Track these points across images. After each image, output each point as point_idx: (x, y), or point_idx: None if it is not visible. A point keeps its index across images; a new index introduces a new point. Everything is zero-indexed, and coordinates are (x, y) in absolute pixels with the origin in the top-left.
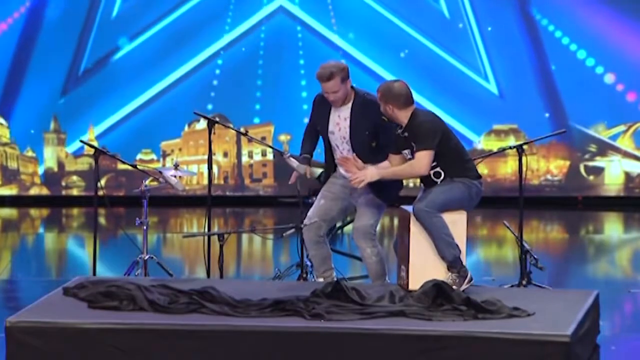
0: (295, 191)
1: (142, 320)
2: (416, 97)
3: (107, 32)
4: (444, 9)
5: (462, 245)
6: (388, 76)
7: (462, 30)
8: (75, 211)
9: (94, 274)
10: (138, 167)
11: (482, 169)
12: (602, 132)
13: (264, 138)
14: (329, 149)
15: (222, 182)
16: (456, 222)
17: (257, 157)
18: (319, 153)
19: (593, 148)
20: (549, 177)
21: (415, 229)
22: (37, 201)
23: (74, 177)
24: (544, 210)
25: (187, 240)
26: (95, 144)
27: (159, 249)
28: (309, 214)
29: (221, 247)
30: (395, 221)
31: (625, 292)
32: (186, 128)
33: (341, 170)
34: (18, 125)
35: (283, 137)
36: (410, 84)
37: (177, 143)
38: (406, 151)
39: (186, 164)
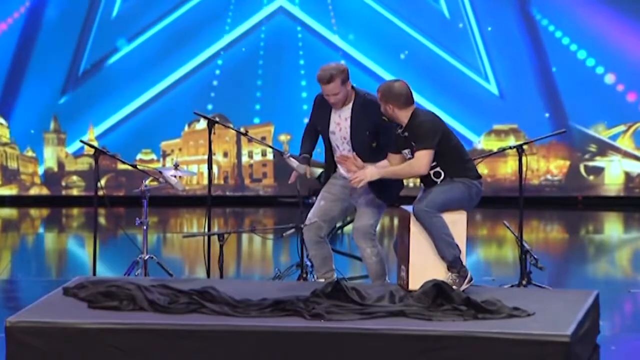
0: (295, 191)
1: (142, 320)
2: (416, 97)
3: (107, 32)
4: (444, 9)
5: (462, 245)
6: (388, 76)
7: (463, 31)
8: (75, 211)
9: (94, 274)
10: (138, 167)
11: (482, 169)
12: (602, 132)
13: (264, 138)
14: (329, 149)
15: (222, 182)
16: (456, 222)
17: (257, 157)
18: (318, 153)
19: (593, 148)
20: (549, 177)
21: (415, 229)
22: (37, 201)
23: (74, 177)
24: (544, 210)
25: (187, 240)
26: (95, 144)
27: (159, 249)
28: (309, 214)
29: (221, 247)
30: (395, 221)
31: (625, 292)
32: (186, 128)
33: (341, 170)
34: (18, 125)
35: (283, 137)
36: (411, 84)
37: (177, 143)
38: (406, 151)
39: (186, 164)
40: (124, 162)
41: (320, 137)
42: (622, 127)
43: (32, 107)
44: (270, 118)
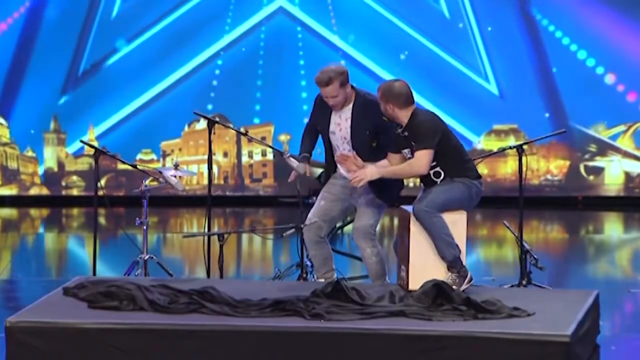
0: (295, 191)
1: (142, 320)
2: (416, 97)
3: (106, 32)
4: (444, 9)
5: (462, 245)
6: (388, 77)
7: (463, 31)
8: (75, 211)
9: (94, 274)
10: (138, 167)
11: (482, 169)
12: (602, 132)
13: (264, 138)
14: (329, 149)
15: (222, 182)
16: (456, 222)
17: (257, 157)
18: (318, 153)
19: (593, 148)
20: (549, 177)
21: (415, 229)
22: (37, 201)
23: (74, 177)
24: (544, 210)
25: (187, 240)
26: (95, 144)
27: (159, 249)
28: (309, 214)
29: (221, 247)
30: (395, 221)
31: (625, 292)
32: (186, 128)
33: (341, 169)
34: (18, 125)
35: (283, 137)
36: (411, 85)
37: (177, 143)
38: (406, 150)
39: (186, 164)
40: (124, 162)
41: (320, 137)
42: (622, 127)
43: (32, 107)
44: (270, 118)
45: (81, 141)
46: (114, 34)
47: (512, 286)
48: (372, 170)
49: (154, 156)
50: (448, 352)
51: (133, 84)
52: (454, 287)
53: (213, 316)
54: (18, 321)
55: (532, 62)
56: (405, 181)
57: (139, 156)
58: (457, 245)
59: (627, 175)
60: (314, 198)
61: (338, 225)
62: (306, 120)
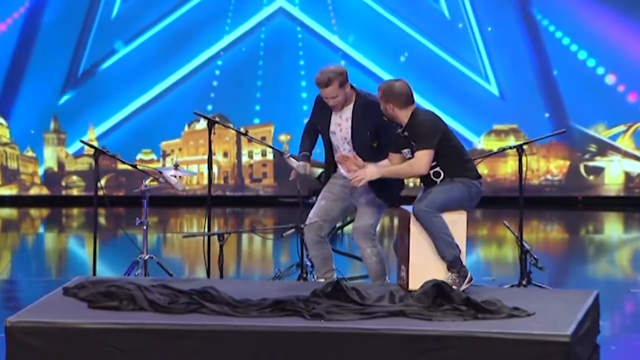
0: (295, 191)
1: (142, 320)
2: (417, 97)
3: (106, 33)
4: (444, 10)
5: (462, 245)
6: (388, 77)
7: (463, 31)
8: (75, 211)
9: (94, 274)
10: (138, 167)
11: (482, 169)
12: (602, 132)
13: (264, 138)
14: (329, 149)
15: (222, 182)
16: (456, 222)
17: (257, 157)
18: (318, 153)
19: (593, 148)
20: (549, 177)
21: (415, 229)
22: (37, 201)
23: (74, 177)
24: (544, 210)
25: (187, 240)
26: (95, 144)
27: (159, 249)
28: (310, 214)
29: (221, 247)
30: (395, 221)
31: (625, 292)
32: (186, 128)
33: (341, 169)
34: (18, 125)
35: (283, 137)
36: (411, 85)
37: (177, 143)
38: (406, 150)
39: (186, 164)
40: (124, 162)
41: (319, 137)
42: (622, 127)
43: (32, 107)
44: (270, 119)
45: (81, 141)
46: (114, 34)
47: (512, 286)
48: (372, 170)
49: (154, 156)
50: (448, 352)
51: (133, 84)
52: (454, 287)
53: (213, 316)
54: (18, 321)
55: (533, 62)
56: (405, 181)
57: (139, 156)
58: (457, 245)
59: (627, 175)
60: (314, 198)
61: (338, 225)
62: (306, 120)
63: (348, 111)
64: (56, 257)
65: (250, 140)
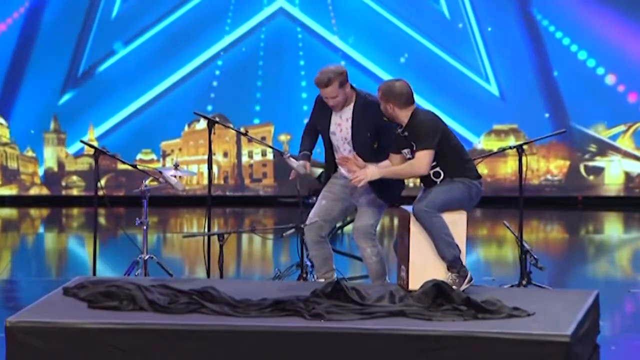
0: (295, 191)
1: (142, 320)
2: (417, 98)
3: (106, 33)
4: (444, 10)
5: (462, 245)
6: (388, 77)
7: (463, 31)
8: (75, 211)
9: (94, 274)
10: (138, 167)
11: (482, 169)
12: (602, 132)
13: (263, 138)
14: (329, 149)
15: (222, 182)
16: (456, 222)
17: (257, 157)
18: (318, 153)
19: (593, 148)
20: (549, 177)
21: (415, 229)
22: (37, 201)
23: (74, 177)
24: (544, 210)
25: (187, 240)
26: (95, 144)
27: (159, 249)
28: (310, 214)
29: (221, 247)
30: (395, 221)
31: (625, 292)
32: (186, 128)
33: (342, 170)
34: (18, 125)
35: (283, 137)
36: (411, 85)
37: (177, 143)
38: (406, 150)
39: (186, 164)
40: (124, 162)
41: (320, 137)
42: (622, 127)
43: (32, 107)
44: (270, 119)
45: (81, 141)
46: (114, 34)
47: (512, 286)
48: (373, 171)
49: (154, 156)
50: (448, 352)
51: (133, 84)
52: (454, 287)
53: (213, 316)
54: (18, 321)
55: (533, 63)
56: (405, 181)
57: (139, 156)
58: (457, 245)
59: (627, 175)
60: (314, 198)
61: (338, 225)
62: (306, 120)
63: (348, 111)
64: (56, 257)
65: (250, 140)
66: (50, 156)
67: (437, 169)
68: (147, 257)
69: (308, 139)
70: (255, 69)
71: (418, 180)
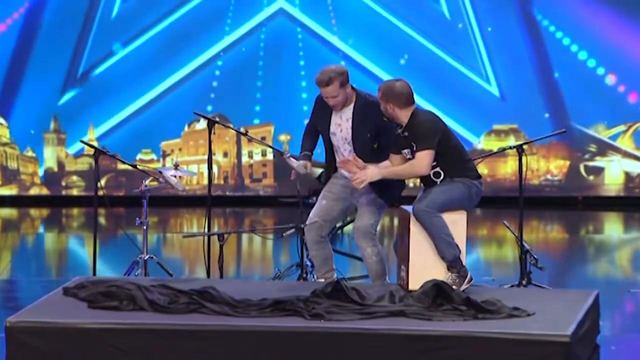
0: (295, 191)
1: (142, 320)
2: (417, 98)
3: (106, 33)
4: (444, 10)
5: (462, 245)
6: (388, 78)
7: (463, 32)
8: (75, 211)
9: (94, 274)
10: (138, 167)
11: (482, 169)
12: (602, 132)
13: (263, 138)
14: (329, 150)
15: (222, 182)
16: (456, 222)
17: (257, 157)
18: (319, 153)
19: (593, 148)
20: (549, 177)
21: (415, 229)
22: (37, 201)
23: (74, 177)
24: (544, 210)
25: (187, 240)
26: (95, 144)
27: (159, 249)
28: (310, 214)
29: (221, 247)
30: (395, 221)
31: (625, 292)
32: (186, 128)
33: (342, 170)
34: (18, 125)
35: (283, 137)
36: (411, 85)
37: (177, 143)
38: (406, 151)
39: (186, 164)
40: (124, 162)
41: (320, 137)
42: (622, 127)
43: (32, 107)
44: (270, 119)
45: (81, 141)
46: (114, 35)
47: (512, 286)
48: (374, 172)
49: (154, 156)
50: (448, 352)
51: (133, 84)
52: (454, 287)
53: (213, 316)
54: (18, 321)
55: (533, 63)
56: (405, 181)
57: (139, 156)
58: (457, 245)
59: (627, 175)
60: (314, 198)
61: (338, 225)
62: (306, 121)
63: (348, 112)
64: (56, 257)
65: (250, 140)
66: (50, 156)
67: (437, 169)
68: (147, 257)
69: (309, 140)
70: (255, 69)
71: (418, 180)
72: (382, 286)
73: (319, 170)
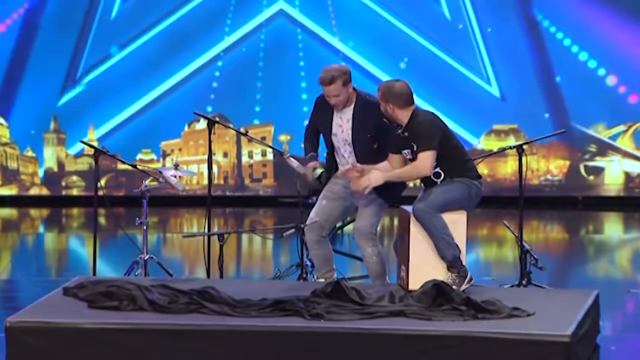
0: (295, 191)
1: (142, 320)
2: (417, 99)
3: (106, 33)
4: (445, 11)
5: (462, 245)
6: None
7: (464, 32)
8: (75, 211)
9: (94, 274)
10: (138, 167)
11: (482, 169)
12: (602, 132)
13: (263, 138)
14: (331, 150)
15: (222, 182)
16: (456, 222)
17: (257, 157)
18: (319, 153)
19: (593, 148)
20: (549, 177)
21: (415, 229)
22: (37, 201)
23: (74, 177)
24: (544, 210)
25: (187, 240)
26: (95, 144)
27: (159, 249)
28: (310, 214)
29: (221, 247)
30: (395, 221)
31: (625, 292)
32: (186, 128)
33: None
34: (18, 125)
35: (283, 137)
36: (411, 86)
37: (177, 143)
38: (406, 151)
39: (186, 164)
40: (124, 162)
41: (321, 138)
42: (622, 127)
43: (32, 107)
44: (270, 119)
45: (81, 141)
46: (114, 35)
47: (512, 286)
48: (377, 176)
49: (154, 156)
50: (448, 352)
51: (133, 85)
52: (454, 287)
53: (213, 316)
54: (18, 321)
55: (534, 63)
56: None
57: (139, 156)
58: (457, 245)
59: (627, 175)
60: (314, 198)
61: (338, 225)
62: (306, 122)
63: (349, 112)
64: (56, 257)
65: (250, 140)
66: (50, 156)
67: (437, 169)
68: (147, 257)
69: (311, 141)
70: (255, 70)
71: (418, 180)
72: (382, 286)
73: (319, 171)
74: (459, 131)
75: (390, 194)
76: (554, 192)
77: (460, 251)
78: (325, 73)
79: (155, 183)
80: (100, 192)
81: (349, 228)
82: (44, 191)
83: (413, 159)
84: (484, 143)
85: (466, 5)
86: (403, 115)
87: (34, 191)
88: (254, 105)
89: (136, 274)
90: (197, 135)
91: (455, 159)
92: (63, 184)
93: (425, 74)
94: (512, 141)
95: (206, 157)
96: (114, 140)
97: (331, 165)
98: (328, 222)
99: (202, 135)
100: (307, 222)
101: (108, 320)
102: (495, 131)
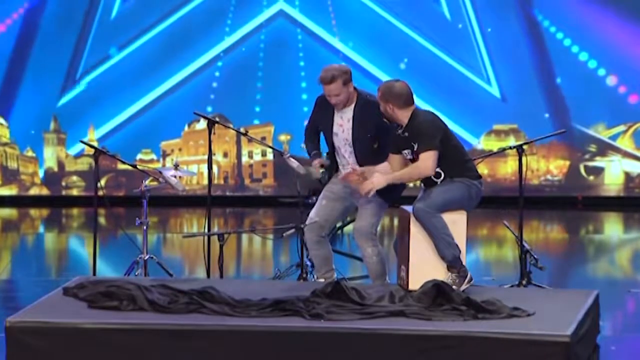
0: (295, 191)
1: (142, 320)
2: (417, 100)
3: (106, 33)
4: (445, 11)
5: (462, 245)
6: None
7: (464, 33)
8: (75, 211)
9: (94, 274)
10: (138, 167)
11: (482, 169)
12: (602, 132)
13: (263, 138)
14: (331, 150)
15: (222, 182)
16: (456, 222)
17: (257, 157)
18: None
19: (593, 148)
20: (549, 177)
21: (415, 229)
22: (37, 201)
23: (74, 177)
24: (544, 210)
25: (187, 240)
26: (95, 144)
27: (159, 249)
28: (310, 214)
29: (221, 247)
30: (395, 221)
31: (625, 292)
32: (186, 128)
33: (343, 170)
34: (18, 125)
35: (283, 137)
36: (412, 87)
37: (177, 143)
38: (406, 151)
39: (186, 164)
40: (124, 162)
41: (322, 138)
42: (622, 127)
43: (31, 107)
44: (270, 119)
45: (81, 141)
46: (114, 35)
47: (512, 286)
48: (379, 179)
49: (154, 156)
50: (448, 352)
51: (133, 85)
52: (454, 287)
53: (213, 316)
54: (18, 321)
55: (534, 64)
56: None
57: (139, 156)
58: (457, 245)
59: (627, 175)
60: (314, 198)
61: (338, 225)
62: (306, 122)
63: (349, 111)
64: (56, 257)
65: (250, 140)
66: (50, 156)
67: (438, 169)
68: (147, 257)
69: (312, 141)
70: (255, 71)
71: (418, 181)
72: (382, 286)
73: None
74: (459, 131)
75: (390, 194)
76: (554, 192)
77: (460, 251)
78: (326, 72)
79: (155, 183)
80: (100, 192)
81: (349, 228)
82: (44, 191)
83: (413, 159)
84: (484, 143)
85: (466, 5)
86: (403, 116)
87: (34, 191)
88: (254, 105)
89: (136, 274)
90: (197, 135)
91: (455, 159)
92: (63, 184)
93: (425, 74)
94: (512, 141)
95: (206, 157)
96: (114, 140)
97: (331, 165)
98: (328, 222)
99: (202, 135)
100: (307, 222)
101: (108, 320)
102: (495, 131)
